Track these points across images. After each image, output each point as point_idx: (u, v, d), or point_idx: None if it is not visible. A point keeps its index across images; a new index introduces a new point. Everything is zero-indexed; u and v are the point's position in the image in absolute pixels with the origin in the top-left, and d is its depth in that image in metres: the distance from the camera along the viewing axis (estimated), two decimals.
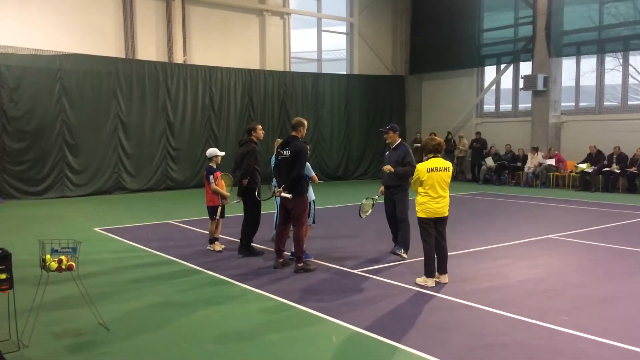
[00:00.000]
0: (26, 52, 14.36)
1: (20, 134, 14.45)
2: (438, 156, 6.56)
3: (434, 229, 6.51)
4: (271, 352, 4.66)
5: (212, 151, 8.59)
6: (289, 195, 7.13)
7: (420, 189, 6.50)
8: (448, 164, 6.58)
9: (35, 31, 14.79)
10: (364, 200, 8.15)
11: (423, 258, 6.63)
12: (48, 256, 4.82)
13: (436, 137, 6.84)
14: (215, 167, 8.46)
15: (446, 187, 6.51)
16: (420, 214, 6.50)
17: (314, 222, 8.45)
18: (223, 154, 8.64)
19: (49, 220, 11.51)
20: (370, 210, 8.17)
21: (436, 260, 6.57)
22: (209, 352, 4.66)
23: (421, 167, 6.47)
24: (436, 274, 6.58)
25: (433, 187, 6.39)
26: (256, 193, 7.98)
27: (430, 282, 6.48)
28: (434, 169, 6.42)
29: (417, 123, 22.64)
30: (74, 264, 4.89)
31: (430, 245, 6.52)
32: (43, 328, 5.05)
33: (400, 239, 7.95)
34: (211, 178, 8.34)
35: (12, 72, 14.20)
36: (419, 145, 21.42)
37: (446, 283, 6.51)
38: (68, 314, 5.52)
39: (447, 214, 6.55)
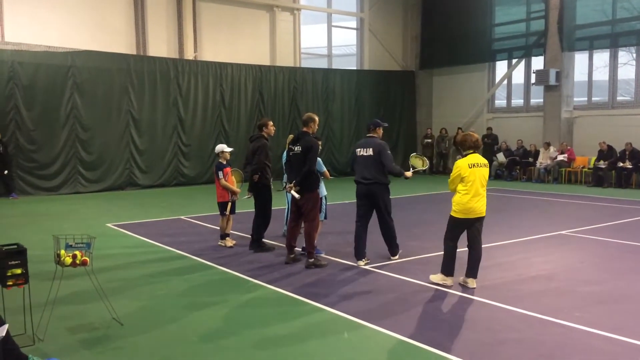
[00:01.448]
0: (39, 49, 14.48)
1: (33, 130, 14.59)
2: (477, 152, 6.25)
3: (463, 230, 6.23)
4: (283, 346, 4.68)
5: (220, 147, 8.64)
6: (297, 196, 7.16)
7: (460, 187, 6.15)
8: (486, 161, 6.30)
9: (47, 28, 14.91)
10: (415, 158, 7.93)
11: (441, 255, 6.43)
12: (62, 251, 4.87)
13: (474, 133, 6.43)
14: (224, 162, 8.49)
15: (485, 185, 6.20)
16: (459, 215, 6.17)
17: (325, 218, 8.47)
18: (231, 149, 8.67)
19: (62, 216, 11.62)
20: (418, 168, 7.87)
21: (467, 262, 6.29)
22: (221, 347, 4.69)
23: (462, 164, 6.14)
24: (463, 277, 6.33)
25: (474, 184, 6.08)
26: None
27: (449, 280, 6.28)
28: (475, 165, 6.12)
29: (427, 118, 22.55)
30: (88, 259, 4.93)
31: (455, 246, 6.27)
32: (57, 322, 5.11)
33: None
34: (220, 174, 8.37)
35: (25, 69, 14.33)
36: (429, 140, 21.43)
37: (474, 288, 6.17)
38: (82, 309, 5.58)
39: (485, 213, 6.26)
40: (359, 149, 7.37)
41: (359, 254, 7.36)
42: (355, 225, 7.42)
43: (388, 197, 7.36)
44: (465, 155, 6.27)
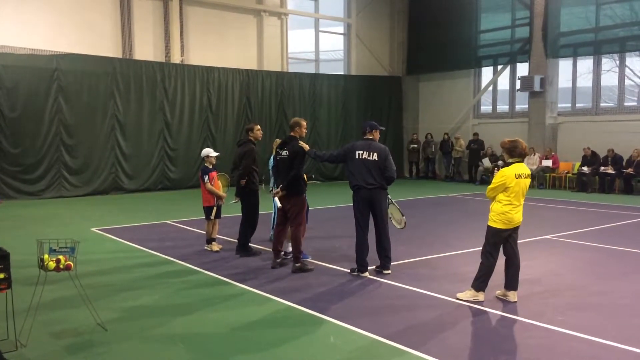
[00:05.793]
0: (23, 52, 14.33)
1: (17, 134, 14.41)
2: (522, 161, 5.95)
3: (502, 241, 5.97)
4: (269, 351, 4.67)
5: (205, 151, 8.63)
6: (279, 204, 7.19)
7: (501, 197, 5.86)
8: (529, 171, 6.04)
9: (32, 31, 14.76)
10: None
11: (477, 270, 6.08)
12: (46, 256, 4.83)
13: (522, 140, 5.98)
14: (210, 167, 8.47)
15: (525, 195, 5.98)
16: (499, 225, 5.89)
17: (306, 222, 8.47)
18: (217, 154, 8.66)
19: (46, 220, 11.50)
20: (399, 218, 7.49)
21: (506, 275, 6.03)
22: (207, 352, 4.67)
23: (509, 173, 5.81)
24: (501, 290, 6.08)
25: (517, 195, 5.85)
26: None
27: (481, 296, 5.95)
28: (522, 176, 5.84)
29: (414, 124, 22.66)
30: (72, 263, 4.90)
31: (495, 260, 5.96)
32: (41, 328, 5.06)
33: None
34: (206, 178, 8.35)
35: (9, 72, 14.18)
36: (415, 146, 21.56)
37: (515, 302, 5.91)
38: (66, 314, 5.53)
39: (521, 222, 6.05)
40: None
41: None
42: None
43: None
44: (511, 164, 5.92)
